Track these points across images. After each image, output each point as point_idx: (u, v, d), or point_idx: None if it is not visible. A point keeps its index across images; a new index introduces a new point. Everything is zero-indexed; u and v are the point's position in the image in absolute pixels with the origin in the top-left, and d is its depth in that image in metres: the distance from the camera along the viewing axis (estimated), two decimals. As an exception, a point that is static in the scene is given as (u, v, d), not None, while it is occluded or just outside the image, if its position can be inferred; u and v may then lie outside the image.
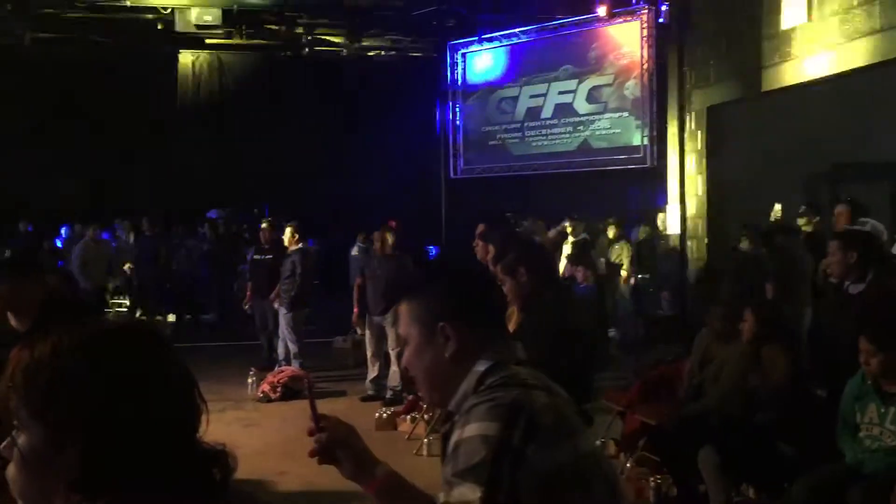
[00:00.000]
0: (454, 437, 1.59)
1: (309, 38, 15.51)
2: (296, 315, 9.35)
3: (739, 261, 9.06)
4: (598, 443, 6.31)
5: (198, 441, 1.20)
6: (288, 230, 9.60)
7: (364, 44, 15.93)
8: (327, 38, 15.79)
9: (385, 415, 7.63)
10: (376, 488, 1.80)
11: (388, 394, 8.44)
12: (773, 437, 4.92)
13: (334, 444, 1.80)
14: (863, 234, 5.68)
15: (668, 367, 6.79)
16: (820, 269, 6.81)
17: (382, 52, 16.57)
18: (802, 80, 9.25)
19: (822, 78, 9.08)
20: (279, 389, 8.54)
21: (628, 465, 6.00)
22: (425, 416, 7.12)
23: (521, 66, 14.98)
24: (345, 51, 16.06)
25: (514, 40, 15.06)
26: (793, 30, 8.79)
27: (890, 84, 8.83)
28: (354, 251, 11.98)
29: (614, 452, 6.41)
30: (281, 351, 9.58)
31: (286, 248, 9.62)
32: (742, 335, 5.34)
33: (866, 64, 8.27)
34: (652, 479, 5.54)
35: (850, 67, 8.50)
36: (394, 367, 8.33)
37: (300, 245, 9.59)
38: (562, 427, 1.63)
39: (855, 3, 8.06)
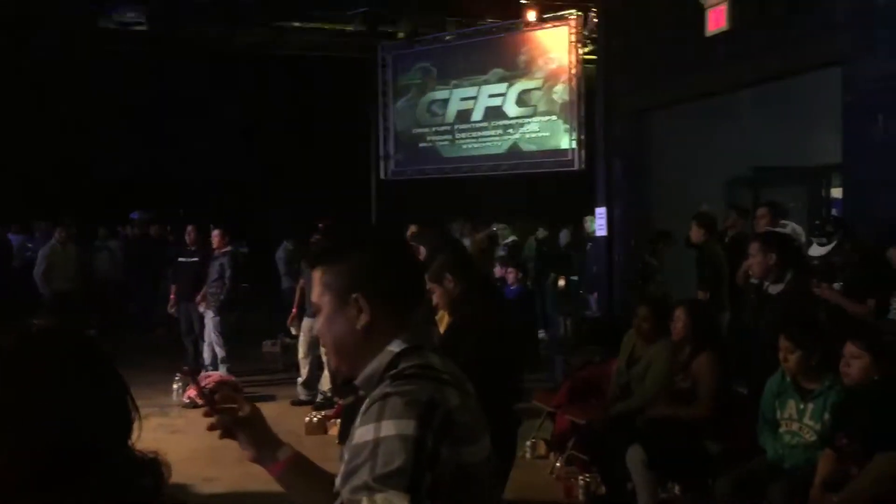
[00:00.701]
0: (367, 431, 1.53)
1: (237, 38, 15.25)
2: (223, 319, 9.21)
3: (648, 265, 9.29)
4: (528, 443, 6.40)
5: (130, 448, 1.17)
6: (216, 233, 9.44)
7: (294, 45, 15.74)
8: (258, 39, 15.55)
9: (315, 419, 7.56)
10: (279, 471, 1.79)
11: (319, 398, 8.36)
12: (698, 434, 5.03)
13: (235, 424, 1.81)
14: (782, 236, 5.85)
15: (597, 367, 6.89)
16: (741, 270, 6.98)
17: (313, 54, 16.40)
18: (725, 86, 9.51)
19: (743, 84, 9.35)
20: (206, 394, 8.38)
21: (558, 464, 6.07)
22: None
23: (451, 69, 15.01)
24: (275, 52, 15.85)
25: (445, 43, 15.10)
26: (716, 36, 9.01)
27: (808, 91, 9.12)
28: (280, 253, 11.81)
29: (544, 452, 6.49)
30: (207, 355, 9.38)
31: (213, 250, 9.45)
32: (672, 335, 5.44)
33: (785, 71, 8.54)
34: (581, 477, 5.62)
35: (770, 74, 8.77)
36: (325, 372, 8.26)
37: (229, 248, 9.45)
38: (473, 429, 1.63)
39: (776, 11, 8.31)
